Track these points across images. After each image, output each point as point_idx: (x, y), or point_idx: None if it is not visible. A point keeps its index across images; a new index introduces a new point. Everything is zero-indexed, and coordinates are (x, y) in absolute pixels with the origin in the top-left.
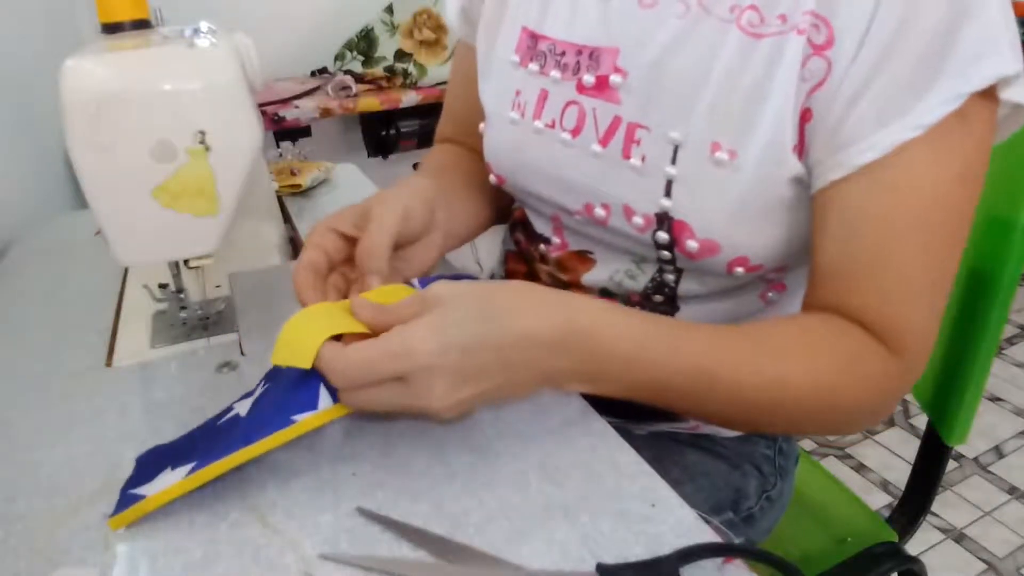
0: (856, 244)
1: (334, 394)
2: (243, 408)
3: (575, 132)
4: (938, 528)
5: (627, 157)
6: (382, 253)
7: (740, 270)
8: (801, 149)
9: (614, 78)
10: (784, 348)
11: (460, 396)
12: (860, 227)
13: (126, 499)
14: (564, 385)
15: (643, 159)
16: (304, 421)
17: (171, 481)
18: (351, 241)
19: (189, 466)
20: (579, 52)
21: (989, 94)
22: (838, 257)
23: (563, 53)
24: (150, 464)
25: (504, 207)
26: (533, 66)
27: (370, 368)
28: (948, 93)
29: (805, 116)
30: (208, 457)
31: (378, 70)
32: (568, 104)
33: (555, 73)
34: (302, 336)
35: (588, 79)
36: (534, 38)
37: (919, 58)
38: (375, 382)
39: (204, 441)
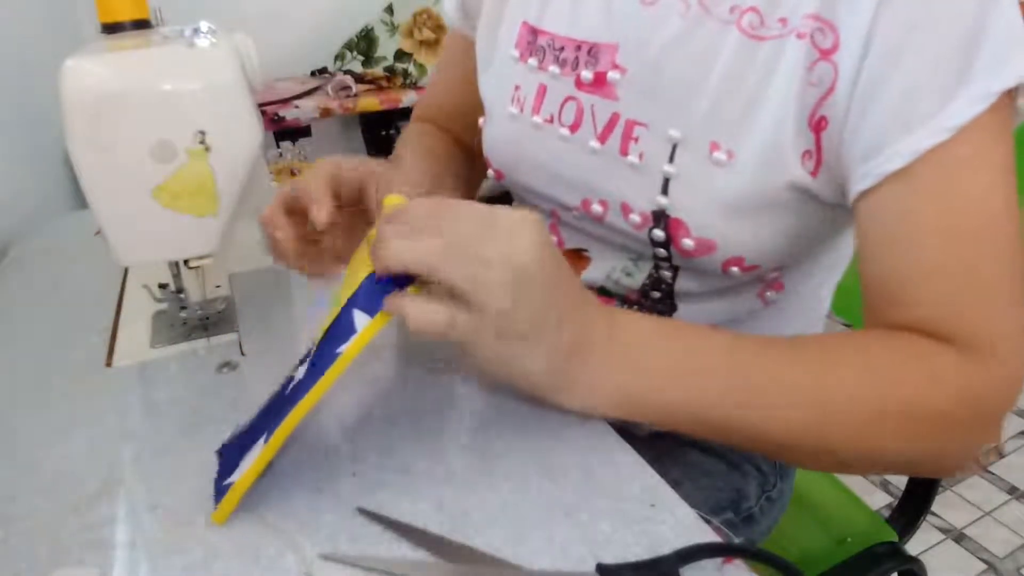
0: (909, 253)
1: (370, 310)
2: (301, 372)
3: (574, 128)
4: (938, 528)
5: (625, 154)
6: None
7: (736, 270)
8: (818, 157)
9: (612, 74)
10: (834, 358)
11: (513, 298)
12: (909, 235)
13: (220, 491)
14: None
15: (641, 156)
16: (348, 349)
17: (252, 459)
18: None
19: (263, 438)
20: (578, 48)
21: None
22: (893, 269)
23: (562, 48)
24: (232, 452)
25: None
26: (532, 61)
27: (454, 204)
28: (978, 93)
29: (820, 124)
30: (276, 422)
31: (378, 70)
32: (567, 99)
33: (554, 68)
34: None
35: (586, 75)
36: (534, 33)
37: (940, 60)
38: (448, 217)
39: (273, 412)
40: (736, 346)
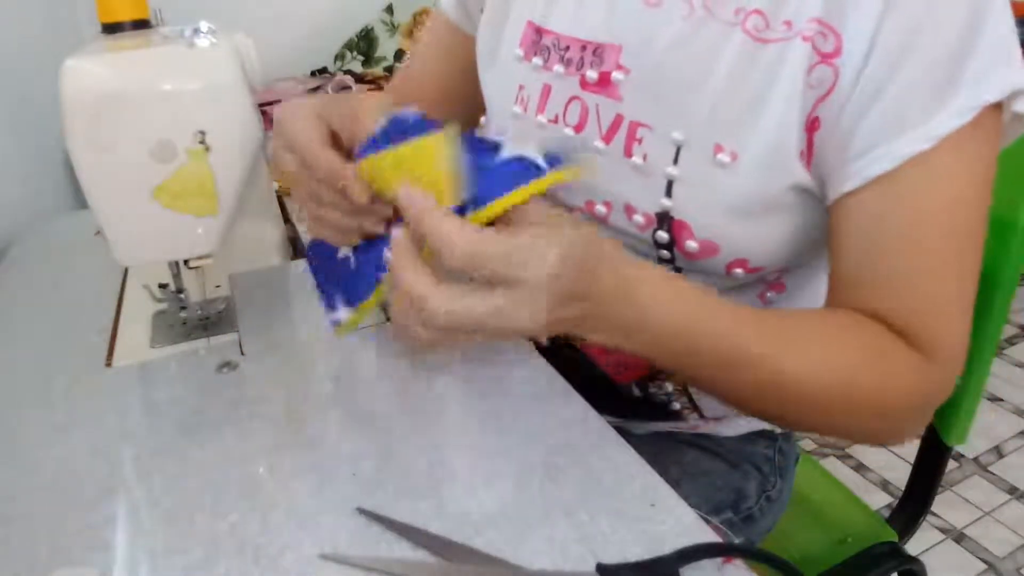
0: (878, 254)
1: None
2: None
3: (578, 128)
4: (938, 528)
5: (629, 155)
6: None
7: (739, 271)
8: (809, 157)
9: (616, 75)
10: (806, 338)
11: (556, 316)
12: (881, 237)
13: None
14: (593, 333)
15: (644, 158)
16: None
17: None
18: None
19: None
20: (583, 48)
21: (996, 103)
22: (860, 267)
23: (567, 48)
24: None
25: None
26: (537, 60)
27: (478, 257)
28: (963, 105)
29: (814, 125)
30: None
31: (378, 70)
32: (571, 99)
33: (558, 68)
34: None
35: (591, 75)
36: (539, 32)
37: (932, 69)
38: (474, 272)
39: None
40: (725, 321)
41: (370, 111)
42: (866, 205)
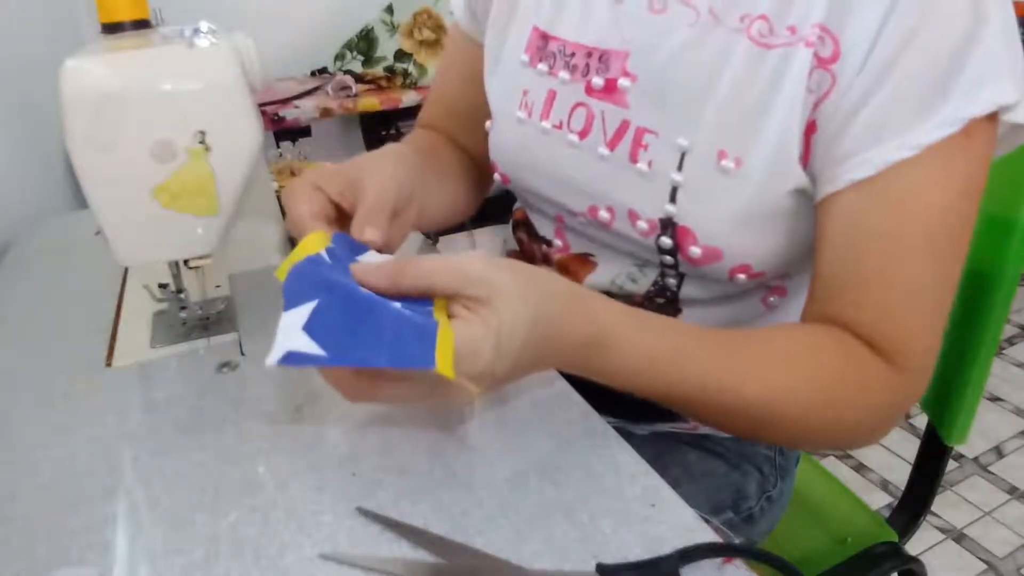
0: (858, 259)
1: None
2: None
3: (583, 134)
4: (938, 528)
5: (634, 161)
6: (384, 219)
7: (742, 277)
8: (806, 160)
9: (623, 82)
10: (791, 361)
11: (499, 386)
12: (861, 242)
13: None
14: (569, 370)
15: (649, 164)
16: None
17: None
18: (334, 205)
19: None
20: (589, 54)
21: (987, 115)
22: (840, 270)
23: (573, 54)
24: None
25: (473, 207)
26: (542, 66)
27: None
28: (948, 117)
29: (811, 128)
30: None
31: (378, 70)
32: (576, 106)
33: (564, 74)
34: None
35: (597, 81)
36: (545, 38)
37: (921, 80)
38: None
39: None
40: (699, 353)
41: (371, 174)
42: (846, 208)
